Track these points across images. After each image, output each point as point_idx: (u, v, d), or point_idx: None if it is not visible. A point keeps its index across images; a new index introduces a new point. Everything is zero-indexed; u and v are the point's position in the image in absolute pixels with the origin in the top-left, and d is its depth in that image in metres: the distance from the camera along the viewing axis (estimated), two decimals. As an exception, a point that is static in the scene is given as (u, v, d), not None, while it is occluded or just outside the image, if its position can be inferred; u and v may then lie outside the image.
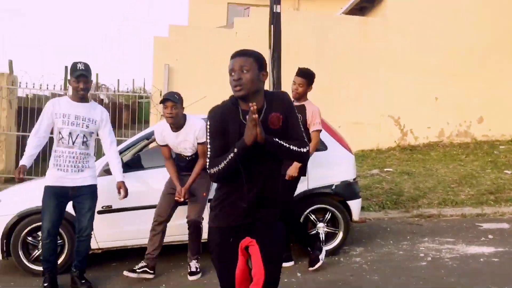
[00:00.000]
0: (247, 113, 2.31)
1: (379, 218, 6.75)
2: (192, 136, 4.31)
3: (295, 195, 4.74)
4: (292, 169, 4.41)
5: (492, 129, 10.47)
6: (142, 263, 4.42)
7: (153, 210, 4.52)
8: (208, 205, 3.78)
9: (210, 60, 9.98)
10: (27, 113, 10.06)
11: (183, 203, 4.45)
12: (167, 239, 4.59)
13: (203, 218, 4.35)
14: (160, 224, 4.40)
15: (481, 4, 10.53)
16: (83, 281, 4.16)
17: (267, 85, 8.67)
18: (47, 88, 10.47)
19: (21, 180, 4.04)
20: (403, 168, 9.01)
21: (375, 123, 10.35)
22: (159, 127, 4.48)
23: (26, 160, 4.03)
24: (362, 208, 6.92)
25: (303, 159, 2.46)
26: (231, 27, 11.00)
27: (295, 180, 4.51)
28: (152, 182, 4.82)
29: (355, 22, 10.71)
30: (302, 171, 4.51)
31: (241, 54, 2.37)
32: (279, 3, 8.39)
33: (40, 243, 4.65)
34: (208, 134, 2.44)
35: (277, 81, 8.12)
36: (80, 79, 3.99)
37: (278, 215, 2.50)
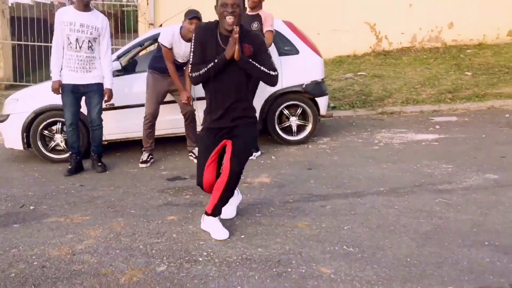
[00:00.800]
0: (223, 37, 3.08)
1: (348, 115, 7.66)
2: None
3: (271, 93, 5.62)
4: None
5: (461, 34, 11.13)
6: (147, 155, 5.33)
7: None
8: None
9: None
10: (20, 21, 10.50)
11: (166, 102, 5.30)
12: (160, 132, 5.47)
13: (195, 109, 5.22)
14: (152, 121, 5.24)
15: None
16: (100, 163, 5.10)
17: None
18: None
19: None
20: (375, 72, 9.81)
21: (352, 29, 10.94)
22: (170, 32, 5.03)
23: (57, 74, 4.76)
24: (334, 108, 7.87)
25: (272, 80, 3.23)
26: None
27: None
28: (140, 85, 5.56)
29: None
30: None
31: None
32: None
33: (55, 135, 5.55)
34: (192, 44, 3.22)
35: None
36: None
37: (253, 122, 3.34)
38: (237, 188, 3.48)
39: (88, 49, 4.76)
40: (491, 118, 6.79)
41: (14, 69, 10.64)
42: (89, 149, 5.23)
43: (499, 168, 4.57)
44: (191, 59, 3.24)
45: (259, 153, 5.47)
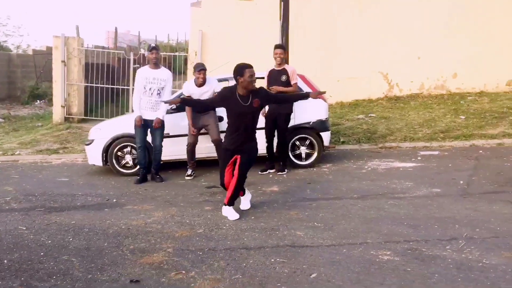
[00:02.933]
0: (241, 97, 5.10)
1: (354, 149, 9.39)
2: (211, 90, 6.99)
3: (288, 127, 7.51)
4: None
5: (464, 83, 12.78)
6: (190, 171, 7.28)
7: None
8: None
9: (235, 26, 12.52)
10: (88, 66, 12.90)
11: (202, 133, 7.24)
12: (199, 155, 7.41)
13: (221, 138, 7.14)
14: (192, 148, 7.22)
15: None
16: (158, 176, 7.08)
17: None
18: (103, 48, 13.25)
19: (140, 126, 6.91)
20: (383, 114, 11.56)
21: (367, 77, 12.80)
22: (187, 85, 7.26)
23: (139, 112, 6.88)
24: (343, 142, 9.64)
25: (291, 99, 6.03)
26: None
27: (288, 118, 7.21)
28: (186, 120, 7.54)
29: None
30: (290, 109, 7.19)
31: (251, 67, 5.11)
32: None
33: (126, 155, 7.57)
34: (215, 94, 5.26)
35: (285, 45, 10.64)
36: (154, 51, 6.80)
37: (254, 147, 5.28)
38: (248, 190, 5.35)
39: (157, 95, 6.84)
40: (467, 153, 8.38)
41: (85, 106, 12.99)
42: (150, 166, 7.22)
43: (445, 185, 6.23)
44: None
45: (285, 171, 7.32)
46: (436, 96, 12.74)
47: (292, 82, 7.21)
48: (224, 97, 5.27)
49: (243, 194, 5.49)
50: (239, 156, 5.13)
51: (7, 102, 18.07)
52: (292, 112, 7.29)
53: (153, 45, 6.98)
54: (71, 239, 4.68)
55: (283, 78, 7.20)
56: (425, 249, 4.07)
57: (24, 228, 5.05)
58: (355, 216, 5.12)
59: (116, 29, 15.66)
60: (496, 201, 5.47)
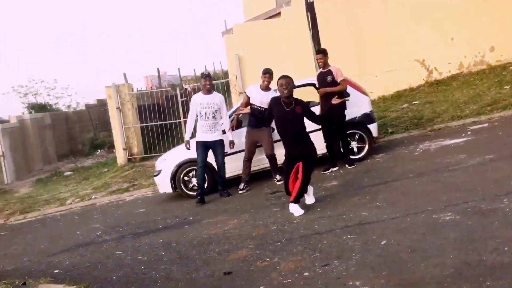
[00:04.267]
0: (285, 103, 5.67)
1: (403, 137, 9.66)
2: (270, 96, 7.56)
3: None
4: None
5: (504, 54, 12.76)
6: (243, 184, 7.81)
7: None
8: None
9: (267, 45, 13.14)
10: (141, 109, 13.83)
11: (259, 146, 7.76)
12: (253, 168, 7.94)
13: (274, 153, 7.62)
14: (248, 160, 7.76)
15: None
16: (225, 192, 7.64)
17: (311, 55, 11.65)
18: (151, 89, 14.16)
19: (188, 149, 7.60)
20: (427, 99, 11.74)
21: (404, 68, 13.04)
22: (252, 87, 7.83)
23: (188, 136, 7.55)
24: (391, 133, 9.94)
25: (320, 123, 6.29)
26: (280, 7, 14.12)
27: (343, 118, 7.64)
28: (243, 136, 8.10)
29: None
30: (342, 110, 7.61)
31: (284, 77, 5.67)
32: (311, -6, 11.35)
33: (192, 179, 8.20)
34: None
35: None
36: (207, 79, 7.49)
37: (312, 150, 5.75)
38: (310, 186, 5.81)
39: (213, 118, 7.47)
40: (517, 120, 8.49)
41: (144, 145, 13.90)
42: (216, 185, 7.80)
43: (498, 151, 6.44)
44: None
45: (336, 167, 7.73)
46: (477, 73, 12.77)
47: (339, 80, 7.63)
48: (273, 104, 5.86)
49: (306, 192, 5.96)
50: (300, 162, 5.62)
51: (71, 157, 19.41)
52: (345, 107, 7.67)
53: (206, 72, 7.67)
54: (163, 253, 5.28)
55: (329, 78, 7.67)
56: (484, 206, 4.38)
57: (121, 252, 5.71)
58: (413, 192, 5.47)
59: (158, 70, 16.71)
60: (549, 156, 5.66)
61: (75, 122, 21.31)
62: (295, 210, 5.66)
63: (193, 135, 7.88)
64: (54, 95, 23.81)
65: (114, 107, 13.22)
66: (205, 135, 7.51)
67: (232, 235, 5.40)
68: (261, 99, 7.52)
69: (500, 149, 6.54)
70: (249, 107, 6.94)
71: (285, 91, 5.63)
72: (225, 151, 7.70)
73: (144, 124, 13.80)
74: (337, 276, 3.62)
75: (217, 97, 7.60)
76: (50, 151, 18.94)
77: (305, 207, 5.74)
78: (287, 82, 5.65)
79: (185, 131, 7.72)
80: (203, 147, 7.54)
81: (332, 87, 7.59)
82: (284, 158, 6.06)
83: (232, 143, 7.66)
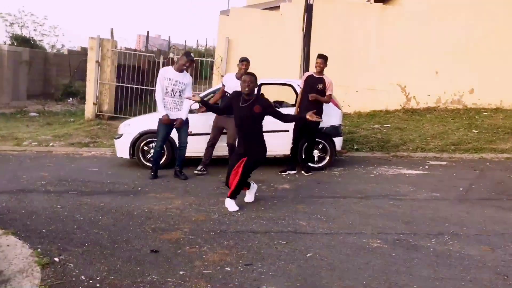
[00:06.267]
0: (244, 99, 5.69)
1: (366, 156, 9.84)
2: None
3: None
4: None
5: (481, 99, 13.10)
6: (201, 166, 7.85)
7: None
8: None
9: (260, 35, 13.13)
10: (120, 68, 13.66)
11: (224, 133, 7.81)
12: (218, 154, 7.98)
13: (235, 143, 7.67)
14: (212, 145, 7.80)
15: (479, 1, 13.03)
16: (182, 173, 7.61)
17: (298, 56, 11.71)
18: (135, 51, 14.00)
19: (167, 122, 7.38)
20: (399, 125, 11.98)
21: (385, 89, 13.24)
22: (228, 76, 7.92)
23: (163, 110, 7.31)
24: (356, 150, 10.10)
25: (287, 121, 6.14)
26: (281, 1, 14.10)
27: (318, 125, 7.68)
28: (212, 120, 8.13)
29: (375, 9, 13.47)
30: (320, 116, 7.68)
31: (249, 74, 5.70)
32: (312, -4, 11.40)
33: (151, 150, 8.18)
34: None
35: (306, 57, 11.20)
36: (189, 61, 7.36)
37: (260, 150, 5.75)
38: (254, 184, 5.88)
39: (179, 96, 7.39)
40: (474, 165, 8.75)
41: (115, 105, 13.75)
42: (174, 161, 7.80)
43: (445, 191, 6.66)
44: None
45: (294, 171, 7.83)
46: (452, 111, 13.09)
47: (328, 93, 7.72)
48: (234, 97, 5.86)
49: (248, 188, 6.03)
50: (245, 158, 5.68)
51: (41, 98, 19.04)
52: (321, 120, 7.70)
53: (191, 54, 7.56)
54: (100, 217, 5.30)
55: (320, 86, 7.70)
56: (412, 241, 4.56)
57: (59, 207, 5.70)
58: (356, 212, 5.62)
59: (147, 32, 16.52)
60: (489, 207, 5.90)
61: (53, 65, 20.87)
62: (230, 205, 5.73)
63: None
64: (41, 31, 23.27)
65: (93, 60, 13.03)
66: (169, 112, 7.37)
67: (172, 214, 5.45)
68: (236, 88, 7.53)
69: (448, 190, 6.76)
70: (197, 97, 6.57)
71: (246, 89, 5.64)
72: (189, 130, 7.70)
73: (120, 84, 13.64)
74: (255, 277, 3.73)
75: (186, 77, 7.46)
76: (21, 88, 18.53)
77: (249, 204, 5.83)
78: (251, 80, 5.65)
79: (158, 105, 7.40)
80: (166, 125, 7.37)
81: (322, 97, 7.68)
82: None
83: (181, 123, 7.40)
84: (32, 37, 22.89)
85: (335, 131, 8.30)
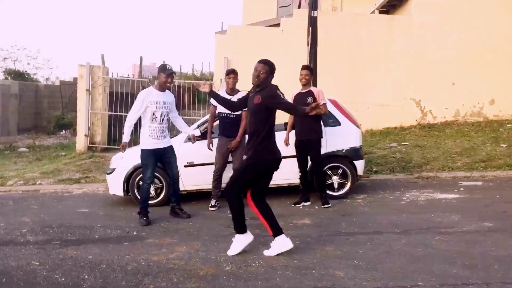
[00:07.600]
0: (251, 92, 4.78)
1: (388, 179, 8.83)
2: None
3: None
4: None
5: (502, 110, 12.15)
6: (213, 201, 6.82)
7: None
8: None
9: (261, 53, 12.21)
10: (113, 96, 12.71)
11: (229, 162, 6.78)
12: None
13: None
14: (219, 174, 6.76)
15: (494, 5, 12.18)
16: (184, 212, 6.46)
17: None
18: (128, 76, 13.11)
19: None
20: (417, 142, 10.99)
21: (399, 105, 12.30)
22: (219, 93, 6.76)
23: (128, 137, 6.25)
24: (376, 172, 9.09)
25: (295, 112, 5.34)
26: (281, 17, 13.26)
27: (318, 145, 6.70)
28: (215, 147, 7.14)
29: (383, 20, 12.62)
30: (319, 134, 6.71)
31: (262, 61, 4.75)
32: (316, 9, 10.57)
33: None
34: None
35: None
36: (170, 76, 6.17)
37: (251, 156, 4.66)
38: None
39: (166, 121, 6.29)
40: (513, 184, 7.75)
41: (109, 135, 12.76)
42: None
43: (496, 219, 5.62)
44: None
45: (308, 202, 6.81)
46: (473, 124, 12.12)
47: (322, 103, 6.73)
48: (250, 91, 4.92)
49: (273, 234, 4.91)
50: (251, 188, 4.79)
51: (33, 132, 18.08)
52: (322, 137, 6.80)
53: (169, 68, 6.34)
54: (86, 277, 4.25)
55: (309, 100, 6.69)
56: (489, 295, 3.51)
57: (38, 264, 4.66)
58: (400, 253, 4.58)
59: (141, 58, 15.66)
60: (559, 237, 4.86)
61: (45, 97, 19.98)
62: (233, 245, 4.81)
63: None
64: (35, 65, 22.60)
65: (83, 89, 12.10)
66: (157, 142, 6.16)
67: (175, 267, 4.41)
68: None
69: (500, 217, 5.73)
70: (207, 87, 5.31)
71: (256, 79, 4.69)
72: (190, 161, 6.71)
73: (113, 113, 12.69)
74: None
75: (170, 96, 6.36)
76: (11, 122, 17.61)
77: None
78: (261, 69, 4.69)
79: (126, 129, 6.31)
80: (155, 157, 6.22)
81: (319, 110, 6.67)
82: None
83: (194, 137, 6.47)
84: (26, 71, 22.18)
85: (355, 153, 7.30)
